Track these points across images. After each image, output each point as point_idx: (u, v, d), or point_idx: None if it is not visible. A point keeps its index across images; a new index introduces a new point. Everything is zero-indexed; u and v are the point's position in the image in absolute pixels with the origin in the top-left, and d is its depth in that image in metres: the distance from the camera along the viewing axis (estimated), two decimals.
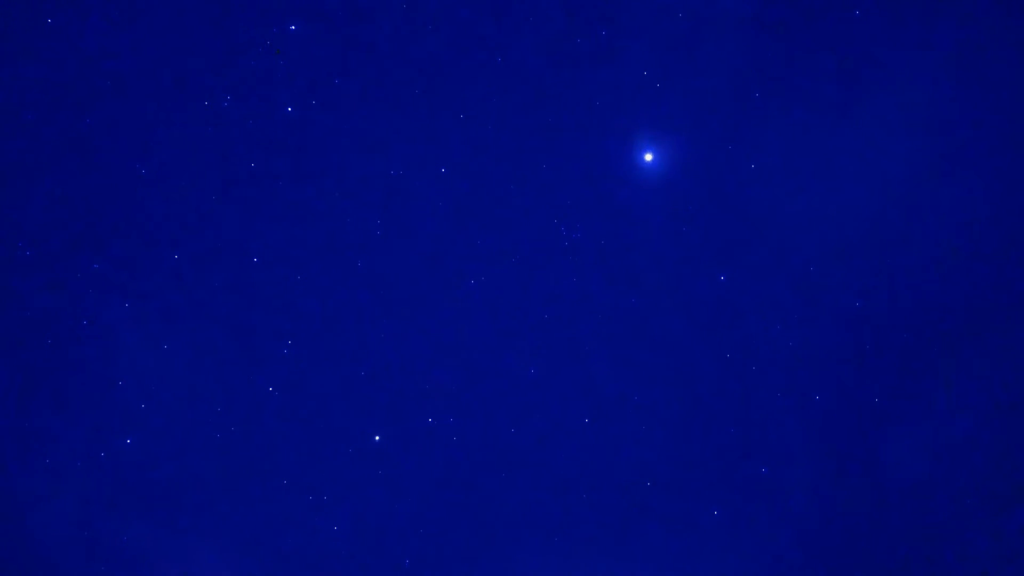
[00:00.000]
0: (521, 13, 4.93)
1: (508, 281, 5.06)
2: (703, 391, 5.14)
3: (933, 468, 5.09)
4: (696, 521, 5.11)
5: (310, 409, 4.97)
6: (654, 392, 5.13)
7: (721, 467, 5.13)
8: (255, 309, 4.90)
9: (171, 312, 4.83)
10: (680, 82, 5.01)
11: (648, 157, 4.88)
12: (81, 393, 4.77)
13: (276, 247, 4.90)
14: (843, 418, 5.13)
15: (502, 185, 5.01)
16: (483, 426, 5.08)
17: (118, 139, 4.76)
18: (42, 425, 4.75)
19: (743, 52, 4.99)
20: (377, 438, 5.01)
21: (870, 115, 5.01)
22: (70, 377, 4.76)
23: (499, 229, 5.04)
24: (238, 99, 4.81)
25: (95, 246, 4.76)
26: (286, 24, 4.80)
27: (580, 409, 5.12)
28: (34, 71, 4.66)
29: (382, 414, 5.02)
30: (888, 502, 5.10)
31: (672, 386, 5.13)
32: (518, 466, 5.09)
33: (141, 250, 4.80)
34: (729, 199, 5.08)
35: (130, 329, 4.80)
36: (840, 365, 5.13)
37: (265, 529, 4.93)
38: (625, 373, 5.13)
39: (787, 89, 5.01)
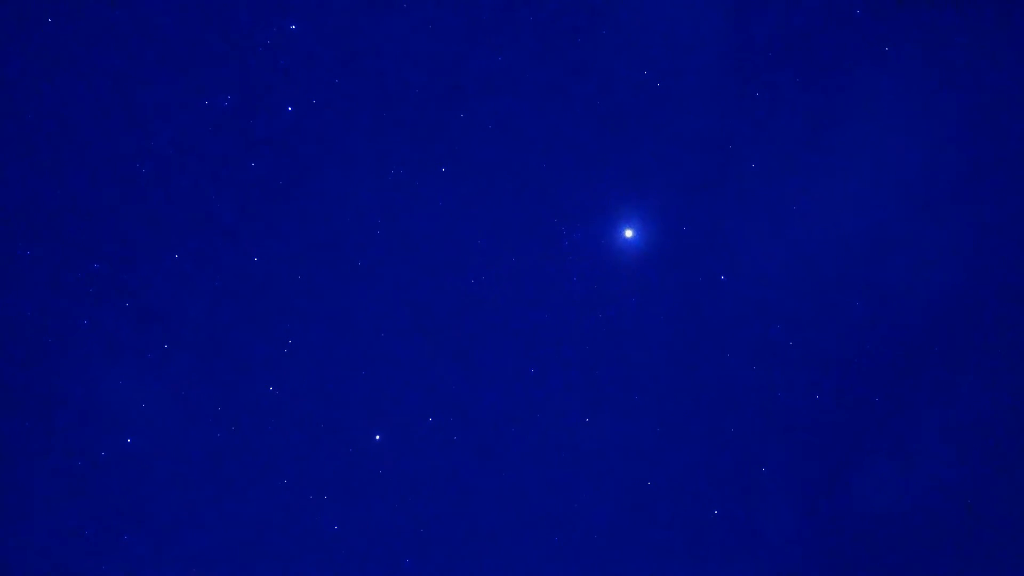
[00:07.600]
0: (523, 12, 4.92)
1: (508, 281, 5.06)
2: (703, 391, 5.14)
3: (934, 468, 5.09)
4: (696, 521, 5.11)
5: (310, 409, 4.97)
6: (654, 392, 5.13)
7: (721, 467, 5.13)
8: (255, 309, 4.91)
9: (171, 312, 4.83)
10: (681, 79, 5.01)
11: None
12: (81, 393, 4.77)
13: (276, 247, 4.90)
14: (844, 418, 5.13)
15: (503, 184, 5.01)
16: (483, 426, 5.09)
17: (118, 139, 4.76)
18: (43, 425, 4.75)
19: (738, 59, 5.00)
20: (377, 438, 5.02)
21: (869, 120, 5.01)
22: (69, 377, 4.76)
23: (500, 228, 5.04)
24: (238, 99, 4.81)
25: (95, 246, 4.76)
26: (286, 24, 4.80)
27: (580, 409, 5.12)
28: (34, 71, 4.66)
29: (382, 414, 5.03)
30: (889, 502, 5.10)
31: (672, 386, 5.14)
32: (518, 466, 5.10)
33: (141, 250, 4.80)
34: (729, 200, 5.08)
35: (129, 329, 4.80)
36: (840, 366, 5.13)
37: (265, 528, 4.93)
38: (625, 373, 5.13)
39: (785, 92, 5.01)
